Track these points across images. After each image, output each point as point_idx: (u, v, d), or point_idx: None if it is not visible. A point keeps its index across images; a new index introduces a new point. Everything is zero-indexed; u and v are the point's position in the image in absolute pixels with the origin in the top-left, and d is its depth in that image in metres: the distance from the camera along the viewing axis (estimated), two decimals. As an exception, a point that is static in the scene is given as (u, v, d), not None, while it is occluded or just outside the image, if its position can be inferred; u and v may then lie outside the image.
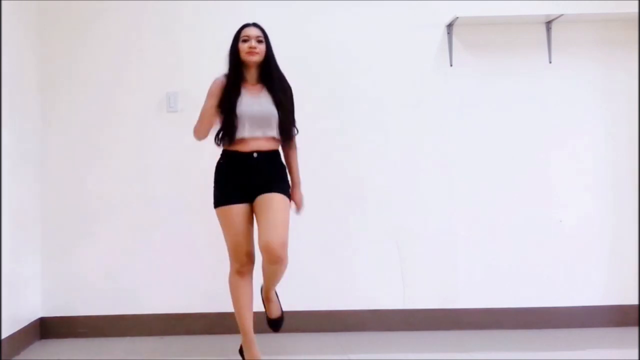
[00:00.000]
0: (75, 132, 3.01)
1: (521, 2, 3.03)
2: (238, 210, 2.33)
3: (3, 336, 2.52)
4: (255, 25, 2.39)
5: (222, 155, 2.40)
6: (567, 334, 2.92)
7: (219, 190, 2.39)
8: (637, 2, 2.96)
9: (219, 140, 2.36)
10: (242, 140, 2.30)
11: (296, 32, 3.05)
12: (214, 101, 2.33)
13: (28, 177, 2.86)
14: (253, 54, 2.32)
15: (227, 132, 2.30)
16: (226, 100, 2.31)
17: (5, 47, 2.61)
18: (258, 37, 2.34)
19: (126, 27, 3.04)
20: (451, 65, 3.07)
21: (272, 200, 2.29)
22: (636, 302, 3.02)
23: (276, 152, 2.40)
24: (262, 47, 2.34)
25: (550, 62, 3.08)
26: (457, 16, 2.93)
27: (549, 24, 3.05)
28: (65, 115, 3.01)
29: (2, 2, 2.60)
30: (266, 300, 2.49)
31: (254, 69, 2.37)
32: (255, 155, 2.31)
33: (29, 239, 2.87)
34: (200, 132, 2.39)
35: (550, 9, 3.00)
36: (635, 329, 2.94)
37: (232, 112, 2.29)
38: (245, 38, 2.34)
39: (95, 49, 3.03)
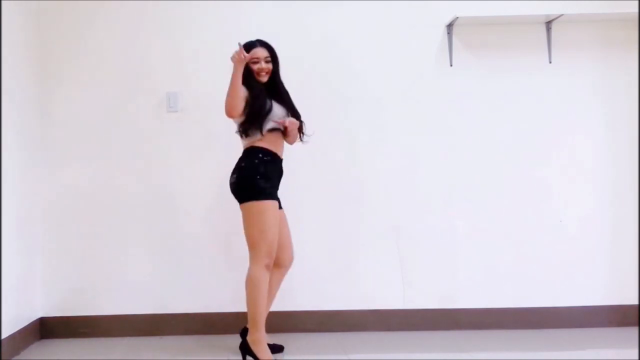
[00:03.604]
0: (76, 132, 3.01)
1: (521, 2, 3.03)
2: (277, 207, 2.46)
3: (3, 336, 2.52)
4: (261, 44, 2.51)
5: (262, 152, 2.45)
6: (567, 334, 2.92)
7: (266, 183, 2.43)
8: (637, 2, 2.96)
9: (250, 126, 2.43)
10: (276, 140, 2.48)
11: (296, 32, 3.05)
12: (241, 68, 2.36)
13: (28, 177, 2.86)
14: (262, 75, 2.49)
15: (261, 117, 2.42)
16: (258, 90, 2.44)
17: (5, 47, 2.61)
18: (266, 58, 2.50)
19: (126, 27, 3.04)
20: (451, 65, 3.07)
21: (286, 218, 2.61)
22: (636, 302, 3.02)
23: None
24: (269, 67, 2.51)
25: (550, 62, 3.08)
26: (457, 16, 2.93)
27: (549, 24, 3.05)
28: (66, 115, 3.01)
29: (2, 2, 2.59)
30: (260, 342, 2.44)
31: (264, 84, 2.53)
32: (281, 160, 2.55)
33: (29, 239, 2.86)
34: (234, 102, 2.37)
35: (550, 9, 2.99)
36: (635, 329, 2.94)
37: (264, 99, 2.45)
38: (255, 60, 2.47)
39: (95, 49, 3.03)
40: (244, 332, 2.54)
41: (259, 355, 2.42)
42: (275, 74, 2.54)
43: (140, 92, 3.02)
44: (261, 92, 2.46)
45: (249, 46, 2.46)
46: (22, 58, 2.83)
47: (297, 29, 3.06)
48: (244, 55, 2.32)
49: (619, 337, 2.84)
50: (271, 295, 2.59)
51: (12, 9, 2.71)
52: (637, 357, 2.50)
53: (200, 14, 3.04)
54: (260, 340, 2.44)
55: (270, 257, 2.42)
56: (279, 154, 2.50)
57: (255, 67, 2.47)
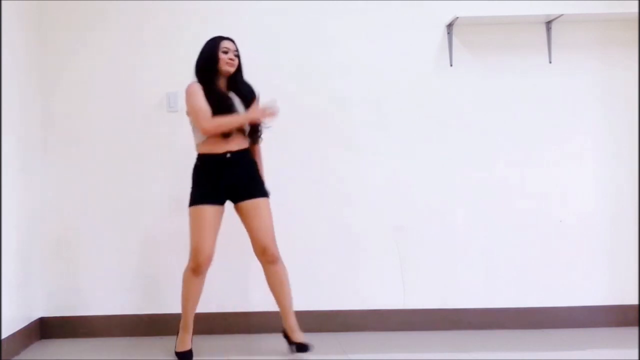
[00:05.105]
0: (75, 132, 3.01)
1: (521, 2, 3.03)
2: (211, 211, 2.45)
3: (3, 336, 2.52)
4: (231, 40, 2.56)
5: (197, 158, 2.52)
6: (567, 334, 2.92)
7: (196, 190, 2.49)
8: (637, 2, 2.96)
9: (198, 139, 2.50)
10: (217, 139, 2.45)
11: (296, 32, 3.05)
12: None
13: (29, 177, 2.86)
14: (232, 66, 2.51)
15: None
16: (223, 101, 2.45)
17: (5, 47, 2.61)
18: (235, 51, 2.54)
19: (126, 28, 3.04)
20: (451, 65, 3.07)
21: (260, 208, 2.49)
22: (636, 302, 3.02)
23: (248, 150, 2.56)
24: (237, 61, 2.54)
25: (550, 62, 3.08)
26: (457, 16, 2.93)
27: (549, 24, 3.05)
28: (66, 115, 3.01)
29: (2, 2, 2.60)
30: (293, 329, 2.56)
31: (224, 77, 2.55)
32: (228, 155, 2.47)
33: (29, 239, 2.86)
34: (220, 130, 2.43)
35: (550, 9, 3.00)
36: (635, 329, 2.94)
37: (231, 112, 2.46)
38: (226, 50, 2.51)
39: (95, 50, 3.03)
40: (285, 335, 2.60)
41: (180, 347, 2.56)
42: (240, 70, 2.57)
43: (140, 92, 3.03)
44: (229, 109, 2.47)
45: (222, 37, 2.53)
46: (23, 58, 2.83)
47: (296, 28, 3.06)
48: (269, 115, 2.42)
49: (619, 337, 2.84)
50: (279, 295, 2.56)
51: (12, 9, 2.71)
52: (637, 357, 2.50)
53: (201, 14, 3.04)
54: (184, 335, 2.57)
55: (195, 261, 2.45)
56: (217, 152, 2.46)
57: (225, 56, 2.48)
